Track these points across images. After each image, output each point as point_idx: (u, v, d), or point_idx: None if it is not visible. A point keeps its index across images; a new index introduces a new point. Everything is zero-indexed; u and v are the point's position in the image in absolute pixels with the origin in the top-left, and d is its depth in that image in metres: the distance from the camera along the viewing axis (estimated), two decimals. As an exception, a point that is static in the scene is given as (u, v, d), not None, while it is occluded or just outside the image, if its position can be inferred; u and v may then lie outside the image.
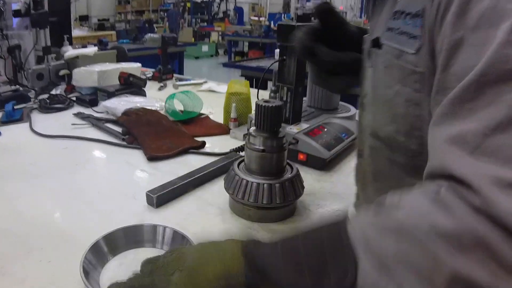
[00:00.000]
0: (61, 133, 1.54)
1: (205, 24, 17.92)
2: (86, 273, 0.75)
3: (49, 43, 2.30)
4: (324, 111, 1.53)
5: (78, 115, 1.79)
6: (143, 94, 2.10)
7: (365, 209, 0.51)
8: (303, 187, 1.01)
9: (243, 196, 0.94)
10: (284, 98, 1.36)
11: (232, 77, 2.93)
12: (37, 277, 0.78)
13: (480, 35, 0.44)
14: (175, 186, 1.07)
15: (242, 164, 1.03)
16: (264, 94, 1.83)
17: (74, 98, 2.02)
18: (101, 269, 0.80)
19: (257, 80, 3.68)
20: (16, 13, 2.25)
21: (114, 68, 2.18)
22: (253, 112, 1.66)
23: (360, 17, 14.00)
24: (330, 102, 1.55)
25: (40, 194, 1.11)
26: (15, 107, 1.81)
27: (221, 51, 15.54)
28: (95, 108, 1.88)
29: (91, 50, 2.39)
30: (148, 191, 1.04)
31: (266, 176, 0.96)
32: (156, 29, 10.89)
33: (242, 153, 1.33)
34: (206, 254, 0.58)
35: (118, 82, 2.07)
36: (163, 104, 1.82)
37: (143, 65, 2.79)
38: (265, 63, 4.97)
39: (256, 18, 11.84)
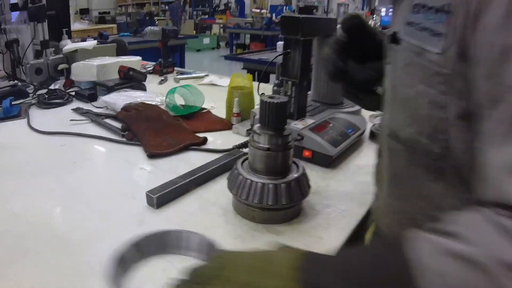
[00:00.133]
0: (60, 130, 1.51)
1: (206, 16, 17.85)
2: (111, 280, 0.71)
3: (47, 37, 2.26)
4: (329, 105, 1.49)
5: (77, 110, 1.75)
6: (143, 88, 2.05)
7: (426, 232, 0.47)
8: (309, 187, 0.97)
9: (247, 197, 0.90)
10: (289, 93, 1.31)
11: (233, 70, 2.90)
12: (33, 283, 0.75)
13: None
14: (176, 185, 1.03)
15: (246, 162, 0.99)
16: (267, 88, 1.79)
17: (73, 93, 1.98)
18: (125, 276, 0.76)
19: (259, 72, 3.63)
20: (14, 7, 2.21)
21: (113, 62, 2.14)
22: (256, 106, 1.64)
23: (362, 9, 13.91)
24: (335, 97, 1.50)
25: (37, 194, 1.07)
26: (13, 102, 1.78)
27: (222, 44, 15.49)
28: (94, 103, 1.84)
29: (90, 43, 2.35)
30: (148, 191, 1.00)
31: (271, 175, 0.92)
32: (157, 22, 10.83)
33: (245, 150, 1.29)
34: (259, 267, 0.53)
35: (117, 76, 2.03)
36: (164, 98, 1.78)
37: (143, 59, 2.74)
38: (267, 55, 4.92)
39: (258, 10, 11.73)
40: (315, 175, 1.18)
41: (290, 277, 0.50)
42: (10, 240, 0.87)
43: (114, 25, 8.57)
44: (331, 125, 1.31)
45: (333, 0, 11.35)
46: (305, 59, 1.26)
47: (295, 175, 0.93)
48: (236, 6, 17.07)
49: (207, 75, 2.59)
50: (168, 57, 2.67)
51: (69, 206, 1.02)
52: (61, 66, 2.20)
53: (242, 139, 1.40)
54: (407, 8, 0.61)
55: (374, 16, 11.24)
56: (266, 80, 4.49)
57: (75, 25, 7.44)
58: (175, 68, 2.74)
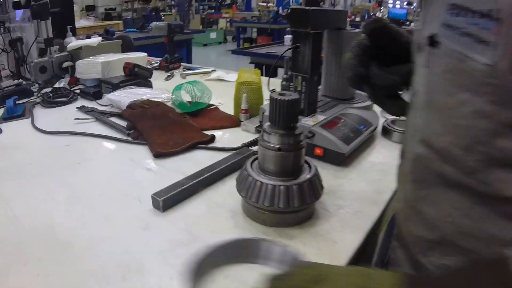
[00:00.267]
0: (64, 129, 1.47)
1: (213, 11, 17.79)
2: None
3: (51, 35, 2.23)
4: (340, 101, 1.44)
5: (82, 109, 1.72)
6: (149, 85, 2.02)
7: None
8: (322, 188, 0.92)
9: (257, 199, 0.85)
10: (299, 88, 1.26)
11: (241, 64, 2.85)
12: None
13: None
14: (183, 187, 0.99)
15: (256, 162, 0.94)
16: (275, 82, 1.75)
17: (78, 91, 1.95)
18: (201, 285, 0.73)
19: (267, 67, 3.60)
20: (16, 5, 2.18)
21: (118, 58, 2.10)
22: (265, 103, 1.59)
23: (369, 1, 13.82)
24: (346, 91, 1.45)
25: (39, 197, 1.04)
26: (18, 102, 1.75)
27: (229, 38, 15.46)
28: (99, 101, 1.81)
29: (95, 40, 2.31)
30: (153, 194, 0.96)
31: (282, 176, 0.87)
32: (163, 17, 10.79)
33: (254, 148, 1.25)
34: (358, 282, 0.51)
35: (123, 73, 1.99)
36: (170, 95, 1.74)
37: (150, 54, 2.71)
38: (274, 49, 4.87)
39: (264, 4, 11.66)
40: (327, 174, 1.14)
41: None
42: (10, 246, 0.84)
43: (120, 21, 8.54)
44: (342, 121, 1.26)
45: (340, -8, 11.26)
46: (315, 53, 1.21)
47: (308, 176, 0.88)
48: (243, 0, 17.00)
49: (214, 70, 2.54)
50: (174, 52, 2.63)
51: (72, 209, 0.98)
52: (65, 64, 2.17)
53: (251, 137, 1.36)
54: (442, 7, 0.55)
55: (382, 8, 11.17)
56: (274, 74, 4.46)
57: (81, 22, 7.43)
58: (182, 64, 2.70)
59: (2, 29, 2.28)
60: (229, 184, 1.07)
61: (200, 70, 2.54)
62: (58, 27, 2.40)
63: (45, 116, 1.65)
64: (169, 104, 1.69)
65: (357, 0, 12.61)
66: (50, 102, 1.81)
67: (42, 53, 2.23)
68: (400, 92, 0.84)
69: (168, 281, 0.74)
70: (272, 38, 10.09)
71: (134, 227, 0.90)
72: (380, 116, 1.46)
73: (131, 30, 6.72)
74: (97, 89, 1.91)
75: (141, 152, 1.29)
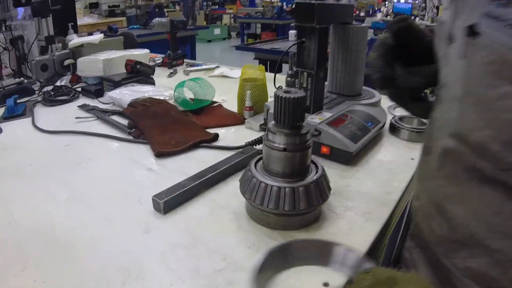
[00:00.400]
0: (65, 128, 1.44)
1: (217, 7, 17.72)
2: None
3: (52, 33, 2.20)
4: (346, 97, 1.40)
5: (83, 107, 1.69)
6: (151, 82, 1.98)
7: None
8: (329, 189, 0.88)
9: (262, 202, 0.82)
10: (304, 85, 1.23)
11: (245, 60, 2.82)
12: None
13: None
14: (184, 188, 0.95)
15: (260, 163, 0.91)
16: (280, 78, 1.71)
17: (79, 89, 1.92)
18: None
19: (272, 63, 3.56)
20: (17, 3, 2.16)
21: (120, 55, 2.07)
22: (269, 99, 1.56)
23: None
24: (352, 88, 1.41)
25: (38, 198, 1.01)
26: (19, 101, 1.72)
27: (233, 34, 15.41)
28: (101, 99, 1.78)
29: (96, 37, 2.28)
30: (154, 196, 0.92)
31: (288, 178, 0.83)
32: (167, 13, 10.75)
33: (259, 147, 1.22)
34: None
35: (125, 71, 1.96)
36: (173, 92, 1.71)
37: (153, 51, 2.67)
38: (279, 45, 4.83)
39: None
40: (334, 173, 1.11)
41: None
42: (7, 251, 0.81)
43: (124, 18, 8.50)
44: (349, 118, 1.23)
45: (345, -14, 11.19)
46: (321, 48, 1.17)
47: (314, 177, 0.84)
48: (246, -4, 16.94)
49: (217, 67, 2.51)
50: (177, 49, 2.59)
51: (72, 210, 0.95)
52: (67, 62, 2.14)
53: (256, 135, 1.33)
54: None
55: (386, 2, 11.09)
56: (279, 70, 4.43)
57: (84, 20, 7.39)
58: (185, 60, 2.66)
59: (3, 27, 2.25)
60: (233, 185, 1.04)
61: (203, 67, 2.51)
62: (59, 25, 2.38)
63: (46, 115, 1.62)
64: (171, 101, 1.66)
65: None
66: (51, 100, 1.78)
67: (43, 51, 2.20)
68: (424, 93, 0.81)
69: (169, 287, 0.71)
70: (277, 33, 10.07)
71: (135, 230, 0.87)
72: (388, 113, 1.43)
73: (135, 27, 6.68)
74: (98, 87, 1.88)
75: (143, 152, 1.26)
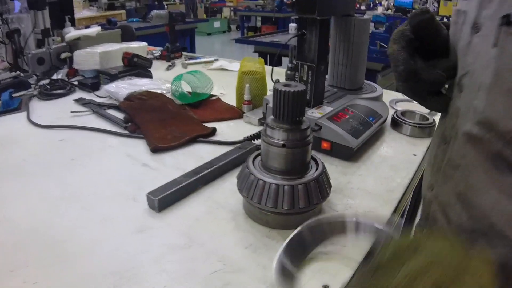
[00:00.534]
0: (60, 122, 1.41)
1: (217, 0, 17.67)
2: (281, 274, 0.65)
3: (48, 26, 2.17)
4: (347, 91, 1.37)
5: (79, 101, 1.65)
6: (149, 75, 1.95)
7: None
8: (330, 186, 0.85)
9: (260, 200, 0.79)
10: (305, 78, 1.19)
11: (245, 53, 2.79)
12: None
13: None
14: (180, 185, 0.92)
15: (258, 159, 0.88)
16: (280, 72, 1.68)
17: (76, 83, 1.88)
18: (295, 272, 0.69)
19: (272, 56, 3.53)
20: (13, -5, 2.12)
21: (117, 48, 2.03)
22: (269, 93, 1.52)
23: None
24: (354, 81, 1.38)
25: (30, 196, 0.98)
26: (14, 95, 1.69)
27: (233, 27, 15.37)
28: (97, 93, 1.74)
29: (93, 30, 2.24)
30: (148, 193, 0.89)
31: (287, 175, 0.80)
32: (166, 6, 10.69)
33: (257, 142, 1.19)
34: (457, 268, 0.49)
35: (122, 64, 1.93)
36: (170, 86, 1.67)
37: (153, 44, 2.64)
38: (279, 38, 4.79)
39: (268, -8, 11.60)
40: (335, 170, 1.08)
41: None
42: (3, 251, 0.78)
43: (123, 11, 8.44)
44: (351, 113, 1.20)
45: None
46: (322, 41, 1.14)
47: (314, 174, 0.81)
48: (247, -11, 16.86)
49: (216, 60, 2.47)
50: (176, 41, 2.56)
51: (65, 209, 0.92)
52: (63, 55, 2.10)
53: (254, 129, 1.30)
54: None
55: (388, -5, 11.02)
56: (279, 63, 4.39)
57: (83, 13, 7.34)
58: (183, 53, 2.63)
59: (0, 20, 2.21)
60: (230, 181, 1.01)
61: (202, 60, 2.47)
62: (57, 18, 2.34)
63: (41, 109, 1.59)
64: (168, 95, 1.63)
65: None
66: (47, 94, 1.74)
67: (39, 44, 2.17)
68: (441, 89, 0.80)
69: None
70: (277, 26, 10.03)
71: (129, 230, 0.84)
72: (390, 107, 1.39)
73: (134, 20, 6.63)
74: (95, 80, 1.84)
75: (139, 147, 1.23)
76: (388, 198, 0.95)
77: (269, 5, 10.82)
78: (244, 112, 1.46)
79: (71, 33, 2.20)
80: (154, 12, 2.49)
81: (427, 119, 1.35)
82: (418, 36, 0.76)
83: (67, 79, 1.93)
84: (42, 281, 0.70)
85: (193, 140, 1.24)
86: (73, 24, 2.53)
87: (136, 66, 1.91)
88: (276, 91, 0.77)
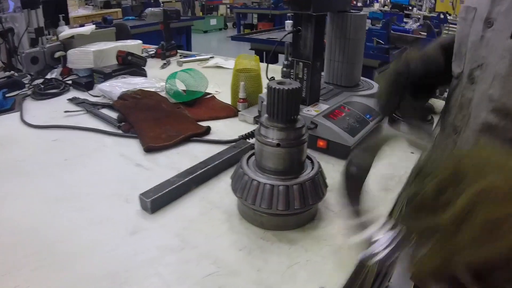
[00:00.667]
0: (53, 122, 1.39)
1: (213, -3, 17.64)
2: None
3: (42, 24, 2.14)
4: (344, 88, 1.35)
5: (73, 100, 1.63)
6: (143, 74, 1.93)
7: None
8: (326, 186, 0.83)
9: (254, 201, 0.77)
10: (300, 75, 1.18)
11: (242, 51, 2.77)
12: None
13: None
14: (173, 186, 0.91)
15: (253, 158, 0.86)
16: (276, 69, 1.66)
17: (70, 82, 1.86)
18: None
19: (268, 53, 3.49)
20: (7, -6, 2.10)
21: (111, 46, 2.00)
22: (264, 91, 1.51)
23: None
24: (350, 78, 1.36)
25: (21, 198, 0.96)
26: (8, 95, 1.67)
27: (230, 24, 15.32)
28: (91, 92, 1.72)
29: (87, 28, 2.22)
30: (141, 194, 0.88)
31: (282, 175, 0.78)
32: (162, 4, 10.66)
33: (252, 140, 1.17)
34: None
35: (116, 62, 1.91)
36: (164, 84, 1.65)
37: (148, 42, 2.62)
38: (275, 35, 4.77)
39: (265, -11, 11.58)
40: (331, 169, 1.06)
41: None
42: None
43: (119, 10, 8.40)
44: (347, 110, 1.18)
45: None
46: (318, 37, 1.12)
47: (310, 174, 0.79)
48: (243, -14, 16.82)
49: (212, 57, 2.45)
50: (171, 39, 2.54)
51: (58, 211, 0.90)
52: (57, 54, 2.08)
53: (249, 128, 1.28)
54: None
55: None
56: (275, 61, 4.37)
57: (79, 11, 7.30)
58: (179, 51, 2.61)
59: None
60: (225, 181, 0.99)
61: (197, 57, 2.45)
62: (51, 16, 2.32)
63: (35, 109, 1.56)
64: (163, 93, 1.61)
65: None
66: (41, 94, 1.72)
67: (33, 43, 2.14)
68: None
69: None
70: (273, 24, 9.99)
71: (121, 232, 0.82)
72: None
73: (130, 18, 6.60)
74: (89, 79, 1.82)
75: (133, 146, 1.21)
76: (385, 197, 0.94)
77: (265, 2, 10.80)
78: (239, 110, 1.44)
79: (65, 31, 2.18)
80: (149, 10, 2.47)
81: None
82: (410, 72, 0.81)
83: (61, 78, 1.91)
84: (35, 285, 0.69)
85: (187, 139, 1.22)
86: (67, 22, 2.51)
87: (130, 65, 1.89)
88: (270, 89, 0.75)
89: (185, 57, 2.50)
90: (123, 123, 1.32)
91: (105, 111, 1.49)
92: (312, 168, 0.82)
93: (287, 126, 0.76)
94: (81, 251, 0.77)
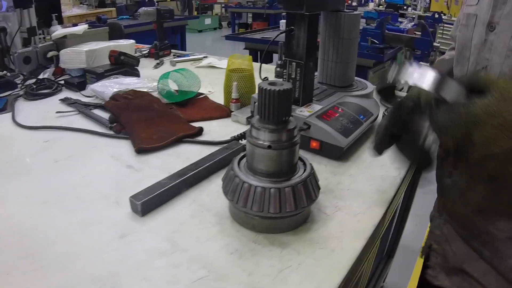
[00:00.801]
0: (45, 123, 1.37)
1: (208, -4, 17.61)
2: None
3: (34, 24, 2.12)
4: (337, 88, 1.34)
5: (65, 101, 1.62)
6: (136, 74, 1.91)
7: None
8: (319, 188, 0.82)
9: (245, 204, 0.75)
10: (293, 75, 1.16)
11: (236, 50, 2.74)
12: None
13: None
14: (164, 188, 0.89)
15: (244, 160, 0.85)
16: (270, 69, 1.65)
17: (62, 82, 1.85)
18: None
19: (262, 53, 3.49)
20: (-1, -8, 2.08)
21: (104, 46, 1.98)
22: (257, 91, 1.49)
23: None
24: (344, 78, 1.35)
25: (11, 201, 0.94)
26: (0, 95, 1.66)
27: (224, 24, 15.31)
28: (83, 92, 1.71)
29: (80, 28, 2.20)
30: (131, 197, 0.86)
31: (273, 177, 0.77)
32: (157, 3, 10.62)
33: (244, 141, 1.16)
34: None
35: (109, 62, 1.89)
36: (156, 84, 1.64)
37: (142, 42, 2.60)
38: (270, 34, 4.76)
39: (260, -11, 11.58)
40: (324, 170, 1.05)
41: None
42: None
43: (114, 9, 8.37)
44: (341, 111, 1.17)
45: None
46: (311, 37, 1.11)
47: (302, 176, 0.78)
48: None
49: (205, 57, 2.44)
50: (165, 39, 2.52)
51: (48, 214, 0.89)
52: (50, 54, 2.06)
53: (242, 128, 1.27)
54: None
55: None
56: (270, 60, 4.35)
57: (73, 11, 7.28)
58: (172, 51, 2.59)
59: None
60: (216, 183, 0.98)
61: (191, 57, 2.43)
62: (44, 16, 2.30)
63: (27, 110, 1.55)
64: (155, 94, 1.59)
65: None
66: (33, 94, 1.71)
67: (26, 43, 2.12)
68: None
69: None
70: (268, 23, 10.01)
71: (111, 235, 0.81)
72: (380, 105, 1.37)
73: (124, 17, 6.57)
74: (81, 79, 1.80)
75: (124, 147, 1.19)
76: (379, 199, 0.93)
77: (260, 1, 10.79)
78: (232, 111, 1.43)
79: (58, 31, 2.16)
80: (142, 9, 2.45)
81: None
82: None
83: (53, 78, 1.89)
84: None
85: (179, 140, 1.21)
86: (60, 22, 2.49)
87: (123, 65, 1.87)
88: (261, 90, 0.74)
89: (178, 56, 2.48)
90: (115, 124, 1.31)
91: (97, 112, 1.47)
92: (305, 170, 0.81)
93: (278, 127, 0.75)
94: (69, 254, 0.75)
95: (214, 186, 0.98)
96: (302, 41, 1.12)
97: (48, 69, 2.01)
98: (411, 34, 4.42)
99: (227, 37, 5.19)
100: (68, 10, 7.06)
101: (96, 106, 1.53)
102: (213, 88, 1.73)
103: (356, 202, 0.91)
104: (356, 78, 1.42)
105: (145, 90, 1.60)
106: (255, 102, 1.25)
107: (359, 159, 1.12)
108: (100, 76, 1.75)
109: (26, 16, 2.08)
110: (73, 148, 1.21)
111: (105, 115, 1.41)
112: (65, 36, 2.11)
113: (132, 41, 2.25)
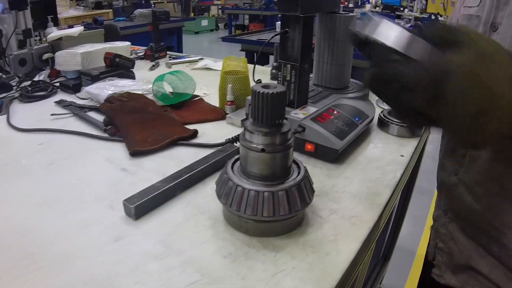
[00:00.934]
0: (40, 126, 1.37)
1: (205, -2, 17.61)
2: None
3: (30, 26, 2.12)
4: (333, 90, 1.34)
5: (60, 103, 1.61)
6: (131, 76, 1.91)
7: None
8: (313, 191, 0.82)
9: (239, 207, 0.75)
10: (288, 78, 1.16)
11: (233, 52, 2.74)
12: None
13: None
14: (158, 191, 0.89)
15: (238, 163, 0.84)
16: (266, 70, 1.65)
17: (58, 84, 1.84)
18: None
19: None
20: (-6, -6, 2.07)
21: (99, 48, 1.98)
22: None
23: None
24: (339, 80, 1.35)
25: (6, 204, 0.94)
26: (-4, 98, 1.64)
27: (221, 25, 15.32)
28: (78, 95, 1.70)
29: (76, 30, 2.19)
30: (125, 200, 0.86)
31: (267, 181, 0.76)
32: (153, 5, 10.62)
33: (239, 144, 1.15)
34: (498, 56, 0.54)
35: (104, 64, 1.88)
36: (151, 86, 1.63)
37: (138, 43, 2.60)
38: (266, 36, 4.76)
39: (256, -10, 11.58)
40: (319, 173, 1.05)
41: None
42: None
43: (110, 10, 8.37)
44: (336, 113, 1.16)
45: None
46: (306, 39, 1.11)
47: (296, 179, 0.78)
48: (235, -13, 16.81)
49: (201, 59, 2.44)
50: (161, 40, 2.52)
51: (41, 217, 0.88)
52: (45, 56, 2.06)
53: (237, 131, 1.27)
54: None
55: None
56: (266, 62, 4.34)
57: (70, 12, 7.27)
58: (168, 52, 2.59)
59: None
60: (211, 186, 0.98)
61: (186, 59, 2.43)
62: (39, 18, 2.30)
63: (22, 112, 1.54)
64: (150, 96, 1.59)
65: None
66: (28, 96, 1.70)
67: (21, 45, 2.12)
68: None
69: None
70: (265, 25, 10.02)
71: (104, 238, 0.80)
72: (376, 107, 1.37)
73: (121, 18, 6.57)
74: (77, 82, 1.80)
75: (118, 150, 1.19)
76: (374, 202, 0.92)
77: (256, 3, 10.79)
78: (227, 113, 1.42)
79: (53, 33, 2.16)
80: (137, 11, 2.45)
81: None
82: None
83: (49, 81, 1.89)
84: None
85: (173, 143, 1.20)
86: (56, 24, 2.49)
87: (118, 67, 1.87)
88: (254, 92, 0.73)
89: (174, 58, 2.48)
90: (109, 126, 1.30)
91: (92, 114, 1.47)
92: (299, 173, 0.81)
93: (272, 130, 0.75)
94: (62, 258, 0.75)
95: (208, 189, 0.97)
96: (297, 43, 1.12)
97: (44, 71, 2.00)
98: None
99: (224, 39, 5.19)
100: (65, 11, 7.05)
101: (91, 108, 1.53)
102: (208, 90, 1.73)
103: (351, 204, 0.91)
104: (351, 80, 1.42)
105: (140, 92, 1.60)
106: (250, 105, 1.25)
107: (354, 161, 1.12)
108: (95, 78, 1.75)
109: (22, 18, 2.08)
110: (68, 151, 1.21)
111: (100, 118, 1.41)
112: (60, 38, 2.11)
113: (128, 43, 2.25)
